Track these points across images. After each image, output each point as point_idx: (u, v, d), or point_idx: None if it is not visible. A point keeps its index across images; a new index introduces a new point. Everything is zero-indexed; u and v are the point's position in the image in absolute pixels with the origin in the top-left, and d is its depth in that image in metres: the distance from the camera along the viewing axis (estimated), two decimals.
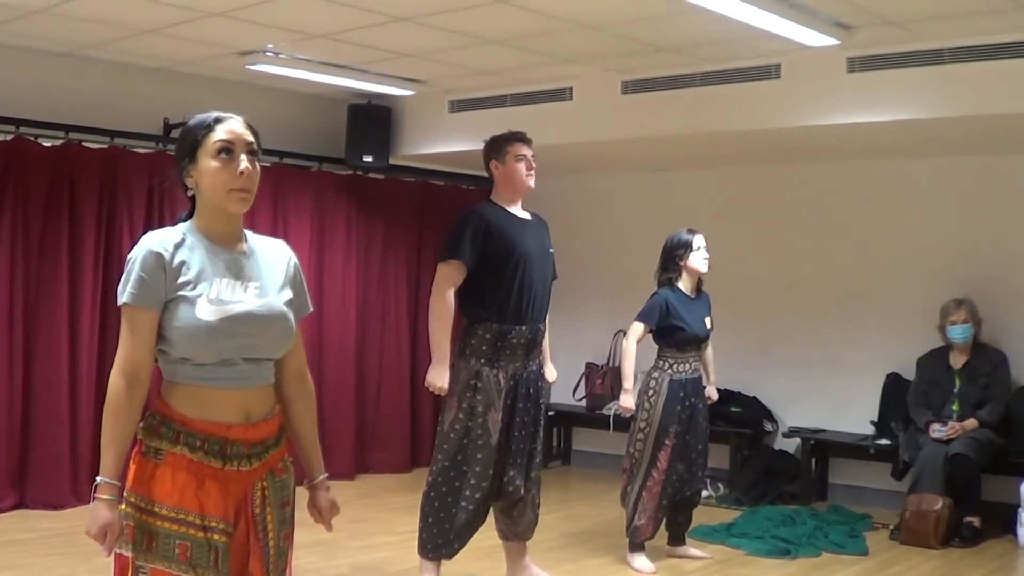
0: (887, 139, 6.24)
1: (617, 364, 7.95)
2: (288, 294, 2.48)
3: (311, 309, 2.61)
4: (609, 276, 7.97)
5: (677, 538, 5.49)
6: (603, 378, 7.87)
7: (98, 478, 2.27)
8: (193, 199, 2.44)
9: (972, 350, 6.26)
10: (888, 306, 6.93)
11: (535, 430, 4.66)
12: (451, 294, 4.52)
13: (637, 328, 5.28)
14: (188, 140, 2.40)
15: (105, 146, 6.36)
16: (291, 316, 2.46)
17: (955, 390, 6.23)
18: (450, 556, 4.58)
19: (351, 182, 7.64)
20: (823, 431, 6.98)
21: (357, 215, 7.57)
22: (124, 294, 2.31)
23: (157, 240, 2.35)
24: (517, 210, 4.69)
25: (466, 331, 4.57)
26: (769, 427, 7.28)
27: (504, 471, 4.55)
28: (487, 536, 4.75)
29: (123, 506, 2.31)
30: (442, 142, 7.48)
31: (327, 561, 5.14)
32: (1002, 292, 6.44)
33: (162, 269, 2.31)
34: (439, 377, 4.52)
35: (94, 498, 2.26)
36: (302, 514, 2.58)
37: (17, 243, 6.00)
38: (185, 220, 2.45)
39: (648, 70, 6.34)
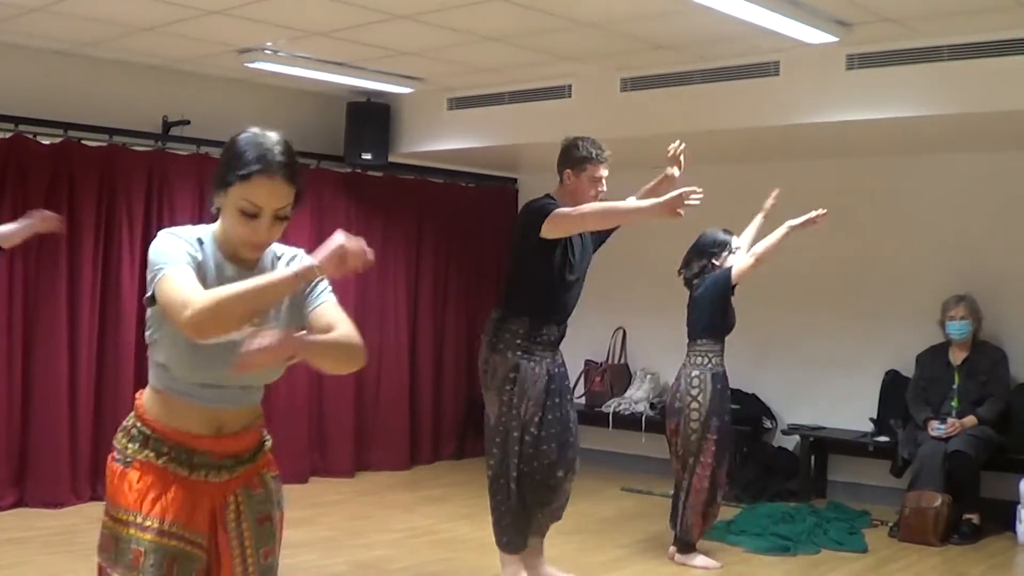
0: (886, 136, 6.24)
1: (620, 361, 7.96)
2: (291, 312, 2.36)
3: (329, 289, 2.43)
4: (608, 274, 7.95)
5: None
6: (602, 376, 7.87)
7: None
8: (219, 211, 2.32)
9: (972, 347, 6.27)
10: (887, 303, 6.93)
11: (569, 422, 4.68)
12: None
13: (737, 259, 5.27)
14: (227, 171, 2.24)
15: (104, 144, 6.36)
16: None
17: (954, 387, 6.22)
18: (524, 548, 4.64)
19: (350, 180, 7.64)
20: (822, 428, 6.99)
21: (356, 213, 7.57)
22: (164, 265, 2.17)
23: (182, 235, 2.27)
24: None
25: (500, 323, 4.58)
26: (768, 424, 7.29)
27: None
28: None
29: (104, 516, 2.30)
30: (441, 140, 7.48)
31: (326, 559, 5.14)
32: (1002, 289, 6.44)
33: (192, 257, 2.22)
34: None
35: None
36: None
37: None
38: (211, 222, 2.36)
39: (647, 67, 6.34)
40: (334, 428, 7.36)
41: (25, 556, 5.04)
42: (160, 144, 6.62)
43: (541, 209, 4.47)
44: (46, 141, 6.13)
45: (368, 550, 5.44)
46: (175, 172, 6.63)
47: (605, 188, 4.69)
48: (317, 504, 6.26)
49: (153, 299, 2.22)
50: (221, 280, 2.27)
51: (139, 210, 6.45)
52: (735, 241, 5.37)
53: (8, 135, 5.99)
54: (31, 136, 6.06)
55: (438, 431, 8.18)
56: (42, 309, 6.09)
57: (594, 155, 4.65)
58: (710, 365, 5.26)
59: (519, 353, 4.53)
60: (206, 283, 2.22)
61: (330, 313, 2.33)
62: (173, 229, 2.30)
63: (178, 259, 2.20)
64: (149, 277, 2.23)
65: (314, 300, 2.37)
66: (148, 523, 2.23)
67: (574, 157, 4.66)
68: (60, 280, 6.11)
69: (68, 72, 6.34)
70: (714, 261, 5.34)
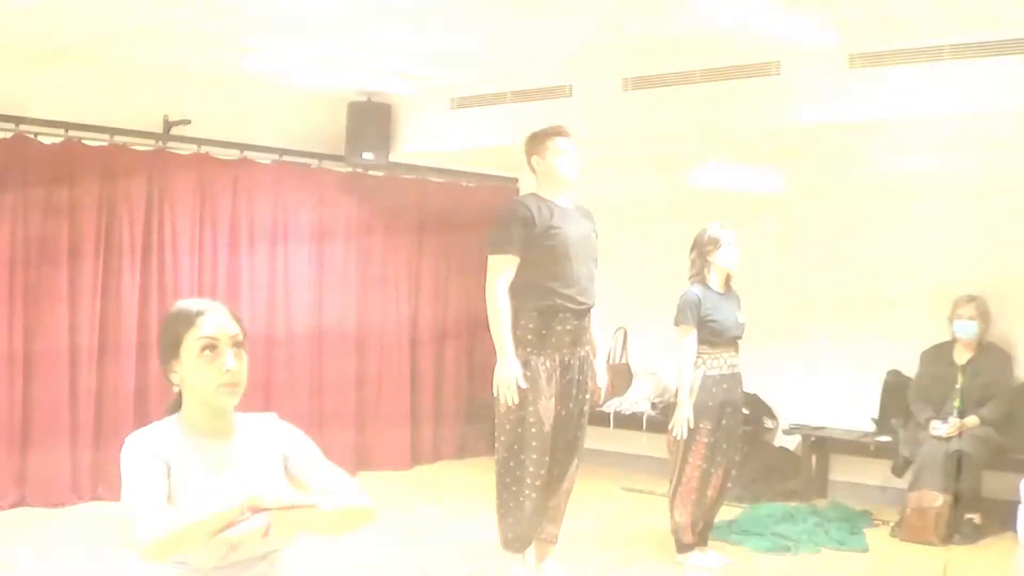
0: (887, 136, 6.23)
1: (621, 361, 7.96)
2: (274, 479, 2.37)
3: (338, 471, 2.55)
4: (609, 273, 7.93)
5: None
6: None
7: None
8: (179, 394, 2.34)
9: (977, 348, 6.25)
10: (889, 303, 6.91)
11: (580, 419, 4.70)
12: (503, 285, 4.52)
13: (685, 333, 5.17)
14: (169, 336, 2.31)
15: (105, 144, 6.36)
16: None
17: (957, 386, 6.21)
18: (528, 546, 4.62)
19: (351, 180, 7.63)
20: (823, 428, 6.98)
21: (357, 213, 7.57)
22: (128, 479, 2.19)
23: (147, 439, 2.25)
24: (561, 200, 4.71)
25: (513, 322, 4.56)
26: (769, 424, 7.28)
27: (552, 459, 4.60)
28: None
29: None
30: (442, 140, 7.47)
31: (326, 558, 5.13)
32: (1004, 289, 6.42)
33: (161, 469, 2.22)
34: (502, 373, 4.46)
35: None
36: None
37: (17, 241, 6.00)
38: (172, 413, 2.35)
39: (648, 67, 6.33)
40: (335, 428, 7.35)
41: (25, 556, 5.04)
42: (161, 144, 6.62)
43: (492, 241, 4.62)
44: (47, 141, 6.13)
45: (368, 549, 5.43)
46: (176, 172, 6.63)
47: (576, 158, 4.71)
48: None
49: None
50: (199, 467, 2.26)
51: (140, 210, 6.45)
52: (727, 237, 5.30)
53: (9, 135, 5.99)
54: (32, 136, 6.06)
55: (439, 431, 8.18)
56: (42, 309, 6.09)
57: (547, 131, 4.75)
58: (704, 367, 5.24)
59: (529, 350, 4.51)
60: (176, 474, 2.22)
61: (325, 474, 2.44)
62: (138, 435, 2.27)
63: (143, 472, 2.19)
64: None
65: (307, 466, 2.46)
66: None
67: (533, 144, 4.74)
68: (60, 280, 6.11)
69: (68, 72, 6.33)
70: (708, 258, 5.29)
